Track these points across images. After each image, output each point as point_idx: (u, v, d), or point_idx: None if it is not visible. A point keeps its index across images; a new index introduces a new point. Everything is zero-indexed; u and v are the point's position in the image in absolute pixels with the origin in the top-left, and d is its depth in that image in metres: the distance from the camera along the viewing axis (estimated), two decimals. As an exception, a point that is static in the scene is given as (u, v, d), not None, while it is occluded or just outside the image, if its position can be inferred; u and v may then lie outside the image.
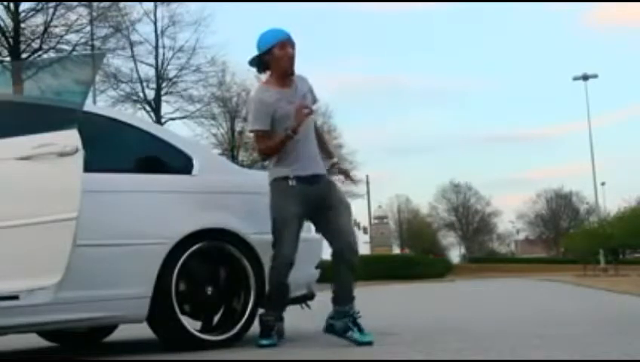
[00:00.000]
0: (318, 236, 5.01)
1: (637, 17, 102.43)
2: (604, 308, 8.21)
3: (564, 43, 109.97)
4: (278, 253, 4.60)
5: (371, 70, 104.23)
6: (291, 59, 4.63)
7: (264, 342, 4.58)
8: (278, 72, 4.67)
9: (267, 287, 4.71)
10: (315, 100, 4.81)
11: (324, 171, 4.78)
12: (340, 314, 4.59)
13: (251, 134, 5.30)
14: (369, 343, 4.45)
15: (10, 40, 24.79)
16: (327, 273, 5.17)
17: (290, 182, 4.61)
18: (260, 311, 4.75)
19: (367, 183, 51.35)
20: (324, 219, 4.69)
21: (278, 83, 4.67)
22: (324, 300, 5.51)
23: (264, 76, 4.84)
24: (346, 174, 5.13)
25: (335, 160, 4.99)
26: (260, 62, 4.69)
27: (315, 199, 4.63)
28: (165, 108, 34.60)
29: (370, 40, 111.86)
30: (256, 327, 4.93)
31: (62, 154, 3.93)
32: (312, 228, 5.04)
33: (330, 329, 4.62)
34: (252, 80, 39.44)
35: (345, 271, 4.65)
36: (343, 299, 4.62)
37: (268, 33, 4.65)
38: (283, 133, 4.57)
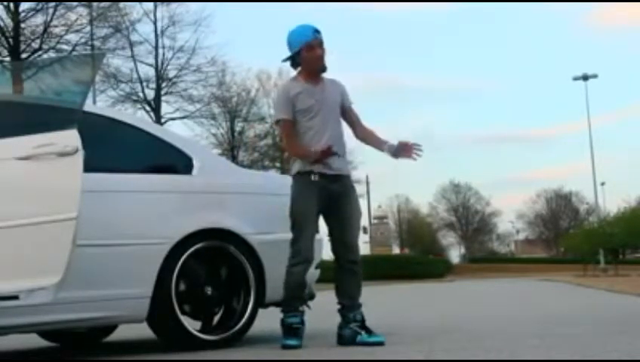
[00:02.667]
0: (318, 236, 4.99)
1: (637, 17, 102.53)
2: (604, 308, 8.20)
3: (564, 43, 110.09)
4: (298, 250, 4.54)
5: (371, 70, 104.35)
6: (319, 59, 4.66)
7: (289, 342, 4.45)
8: (307, 70, 4.72)
9: (284, 287, 4.58)
10: (349, 103, 4.81)
11: (348, 172, 4.80)
12: (347, 321, 4.57)
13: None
14: (380, 343, 4.41)
15: (10, 40, 24.77)
16: (327, 273, 5.17)
17: (313, 177, 4.60)
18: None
19: (367, 183, 51.36)
20: (334, 222, 4.67)
21: (305, 79, 4.72)
22: (324, 300, 5.51)
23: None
24: (405, 147, 4.73)
25: (387, 142, 4.77)
26: (292, 59, 4.72)
27: (332, 197, 4.62)
28: (165, 108, 34.67)
29: (370, 40, 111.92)
30: (255, 327, 4.93)
31: (62, 154, 3.92)
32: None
33: (340, 340, 4.58)
34: (252, 80, 39.71)
35: (348, 279, 4.65)
36: (347, 307, 4.60)
37: (295, 33, 4.67)
38: (311, 150, 4.58)
